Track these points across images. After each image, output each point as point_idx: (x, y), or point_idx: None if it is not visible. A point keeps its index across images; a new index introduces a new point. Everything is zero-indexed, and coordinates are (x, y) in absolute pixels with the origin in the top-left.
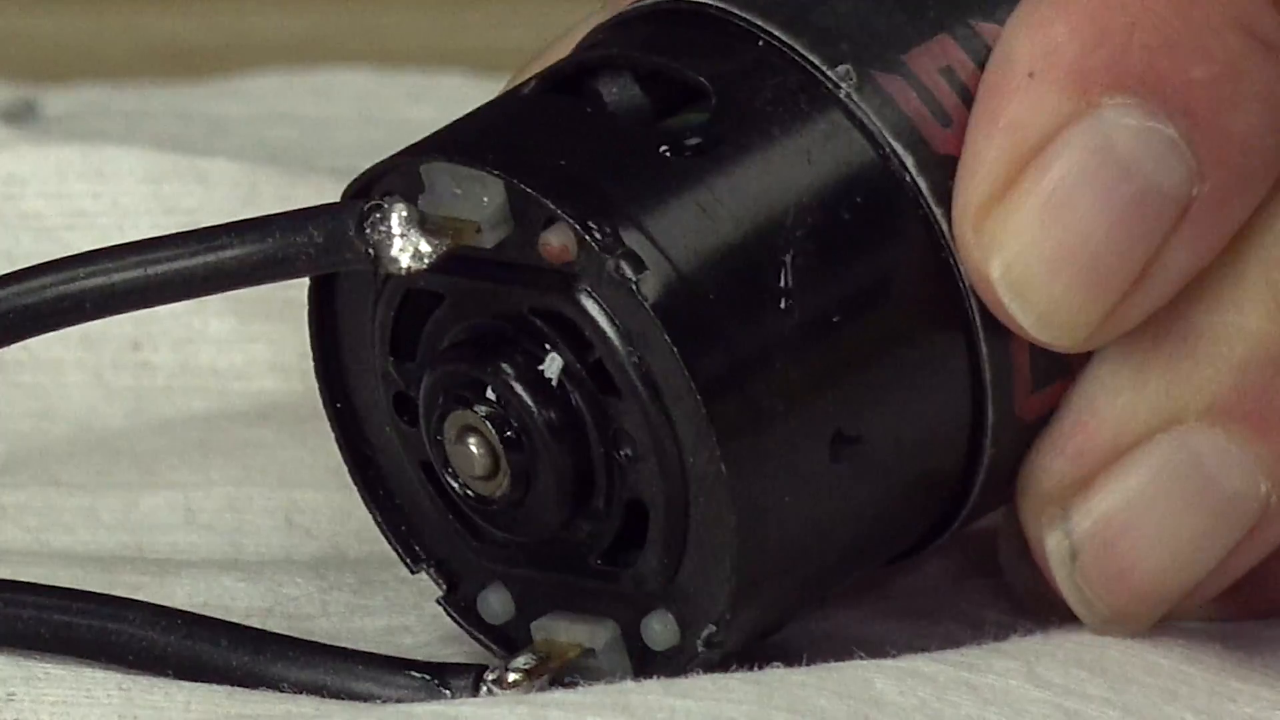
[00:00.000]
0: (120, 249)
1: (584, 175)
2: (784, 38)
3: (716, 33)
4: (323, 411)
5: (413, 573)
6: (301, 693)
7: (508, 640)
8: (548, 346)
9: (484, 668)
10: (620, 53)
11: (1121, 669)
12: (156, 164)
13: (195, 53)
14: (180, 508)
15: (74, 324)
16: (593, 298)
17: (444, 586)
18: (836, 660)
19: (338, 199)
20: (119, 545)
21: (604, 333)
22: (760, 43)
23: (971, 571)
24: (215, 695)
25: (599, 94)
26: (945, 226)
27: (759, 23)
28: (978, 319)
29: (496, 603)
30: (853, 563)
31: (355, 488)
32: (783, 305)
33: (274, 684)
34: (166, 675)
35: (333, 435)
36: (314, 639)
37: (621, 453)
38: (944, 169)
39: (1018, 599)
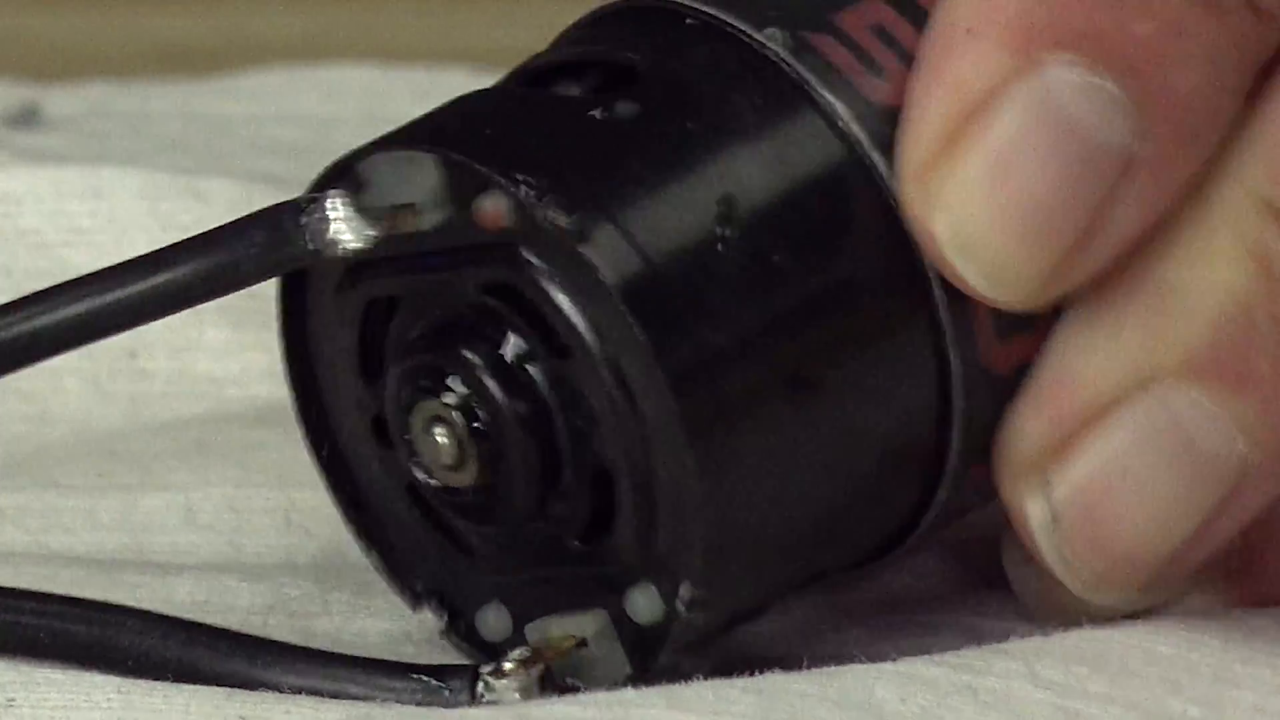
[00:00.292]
0: (68, 285)
1: (511, 140)
2: (713, 12)
3: (650, 19)
4: None
5: (414, 612)
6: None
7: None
8: (503, 324)
9: (479, 665)
10: (558, 54)
11: (1122, 662)
12: (153, 182)
13: (199, 51)
14: (180, 508)
15: (32, 364)
16: (534, 262)
17: (444, 620)
18: (837, 665)
19: None
20: (119, 546)
21: (547, 293)
22: (689, 20)
23: (976, 582)
24: (215, 698)
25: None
26: (885, 172)
27: (690, 4)
28: (929, 266)
29: (494, 620)
30: (832, 526)
31: (348, 530)
32: (725, 251)
33: (273, 689)
34: (166, 680)
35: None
36: (315, 638)
37: (581, 417)
38: (880, 118)
39: (1021, 608)
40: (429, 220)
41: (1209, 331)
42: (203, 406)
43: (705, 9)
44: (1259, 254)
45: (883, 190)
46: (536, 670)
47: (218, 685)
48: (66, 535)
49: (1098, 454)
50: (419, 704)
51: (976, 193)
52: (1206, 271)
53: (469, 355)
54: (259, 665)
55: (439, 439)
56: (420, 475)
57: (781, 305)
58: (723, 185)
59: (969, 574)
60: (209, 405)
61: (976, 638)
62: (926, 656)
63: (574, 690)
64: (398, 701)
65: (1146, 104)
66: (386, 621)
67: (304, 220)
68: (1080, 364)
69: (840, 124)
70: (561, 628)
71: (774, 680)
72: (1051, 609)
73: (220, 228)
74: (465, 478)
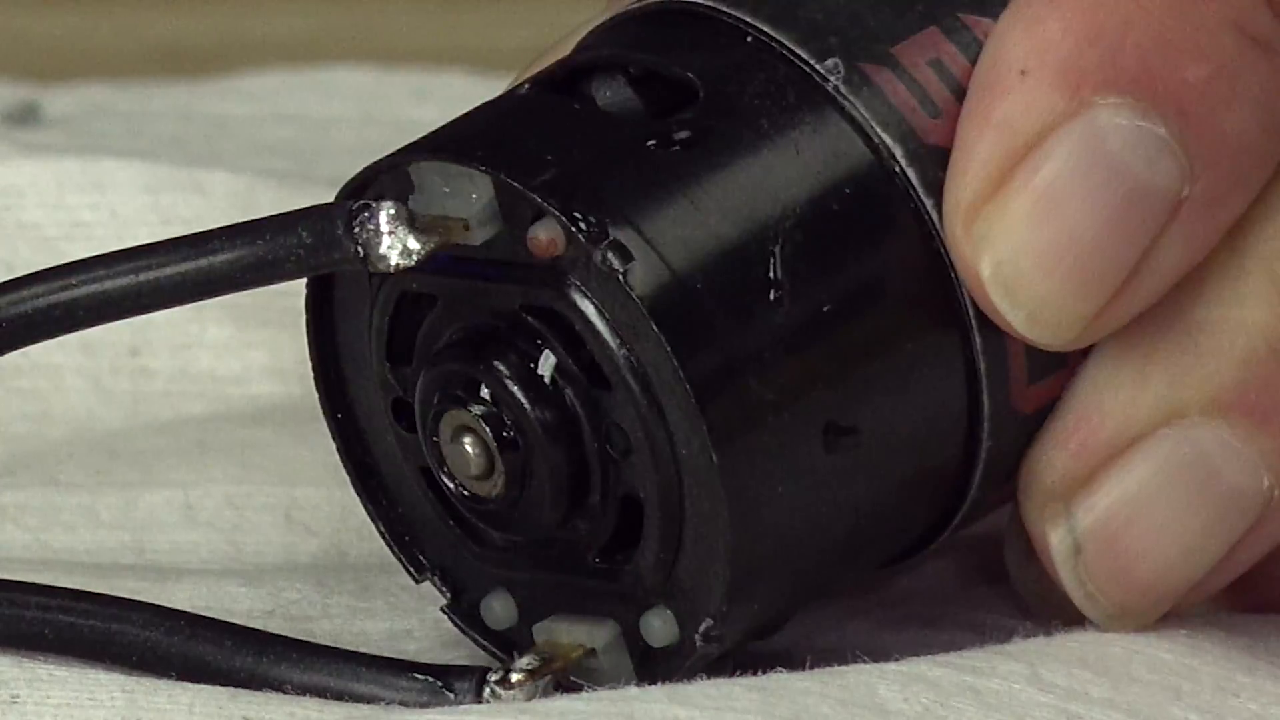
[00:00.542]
0: (113, 256)
1: (571, 170)
2: (772, 33)
3: (706, 31)
4: (321, 415)
5: (417, 582)
6: (305, 694)
7: (511, 646)
8: (541, 344)
9: (487, 670)
10: (611, 53)
11: (1125, 668)
12: (154, 175)
13: (197, 52)
14: (180, 506)
15: (68, 332)
16: (582, 291)
17: (448, 595)
18: (840, 665)
19: None
20: (119, 544)
21: (594, 326)
22: (749, 39)
23: (977, 577)
24: (219, 697)
25: (591, 95)
26: (935, 217)
27: (747, 19)
28: (970, 309)
29: (500, 608)
30: (851, 557)
31: (358, 497)
32: (772, 296)
33: (277, 686)
34: (170, 677)
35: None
36: (316, 640)
37: (614, 447)
38: (933, 159)
39: (1023, 604)
40: (479, 236)
41: (1237, 369)
42: (204, 405)
43: (765, 28)
44: None
45: (931, 235)
46: (544, 682)
47: (222, 680)
48: (67, 533)
49: (1122, 486)
50: (423, 705)
51: (1022, 233)
52: (1236, 310)
53: (503, 368)
54: (263, 661)
55: (467, 448)
56: (446, 481)
57: (825, 354)
58: (775, 231)
59: (971, 570)
60: (210, 404)
61: (978, 633)
62: (929, 656)
63: (576, 689)
64: (401, 703)
65: (1195, 147)
66: (387, 621)
67: (355, 228)
68: (1108, 398)
69: (896, 167)
70: (571, 634)
71: (777, 679)
72: (1052, 607)
73: (266, 220)
74: (492, 488)
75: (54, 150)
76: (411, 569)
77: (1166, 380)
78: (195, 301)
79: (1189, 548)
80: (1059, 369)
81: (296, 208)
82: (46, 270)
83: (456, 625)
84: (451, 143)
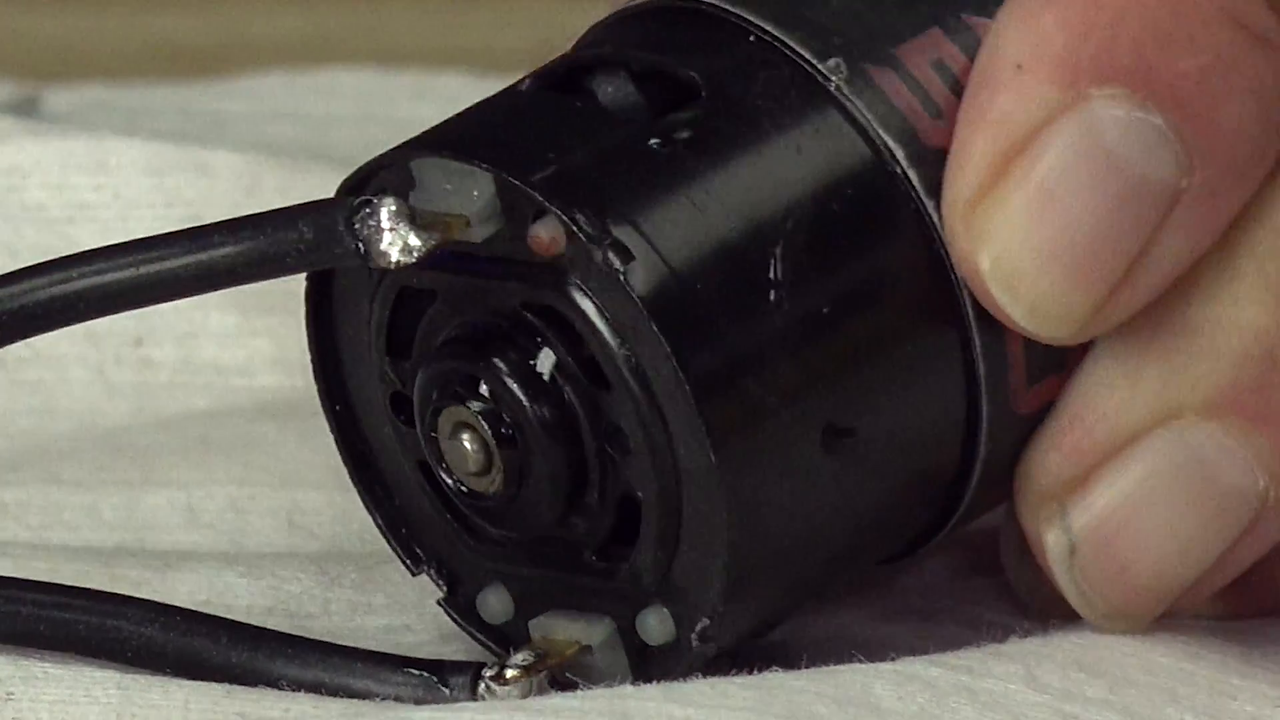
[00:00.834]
0: (114, 249)
1: (572, 168)
2: (775, 32)
3: (709, 29)
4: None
5: (413, 574)
6: (300, 690)
7: (507, 640)
8: (540, 342)
9: (482, 665)
10: (613, 51)
11: (1121, 670)
12: (159, 156)
13: (197, 52)
14: (182, 507)
15: (69, 324)
16: (583, 291)
17: (444, 588)
18: (836, 664)
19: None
20: (120, 543)
21: (594, 326)
22: (751, 38)
23: (972, 571)
24: (214, 694)
25: (593, 92)
26: (936, 219)
27: (751, 18)
28: (971, 311)
29: (496, 602)
30: (849, 557)
31: (355, 489)
32: (772, 297)
33: (273, 681)
34: (165, 672)
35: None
36: (312, 636)
37: (614, 447)
38: (935, 161)
39: (1019, 598)
40: (480, 233)
41: (1232, 370)
42: (208, 398)
43: (768, 27)
44: None
45: (932, 237)
46: (539, 678)
47: (217, 675)
48: (68, 532)
49: (1117, 487)
50: (418, 701)
51: (1021, 227)
52: (1231, 311)
53: (502, 366)
54: (259, 656)
55: (466, 445)
56: (445, 477)
57: (825, 356)
58: (776, 231)
59: (966, 563)
60: (214, 397)
61: (974, 629)
62: (925, 656)
63: (572, 686)
64: (397, 698)
65: (1193, 139)
66: (386, 618)
67: (356, 224)
68: (1103, 399)
69: (897, 169)
70: (567, 631)
71: (773, 678)
72: (1048, 603)
73: (267, 214)
74: (490, 485)
75: (57, 130)
76: (408, 561)
77: (1161, 381)
78: (196, 295)
79: (1184, 549)
80: (1057, 371)
81: (300, 190)
82: (48, 262)
83: (452, 618)
84: (453, 139)
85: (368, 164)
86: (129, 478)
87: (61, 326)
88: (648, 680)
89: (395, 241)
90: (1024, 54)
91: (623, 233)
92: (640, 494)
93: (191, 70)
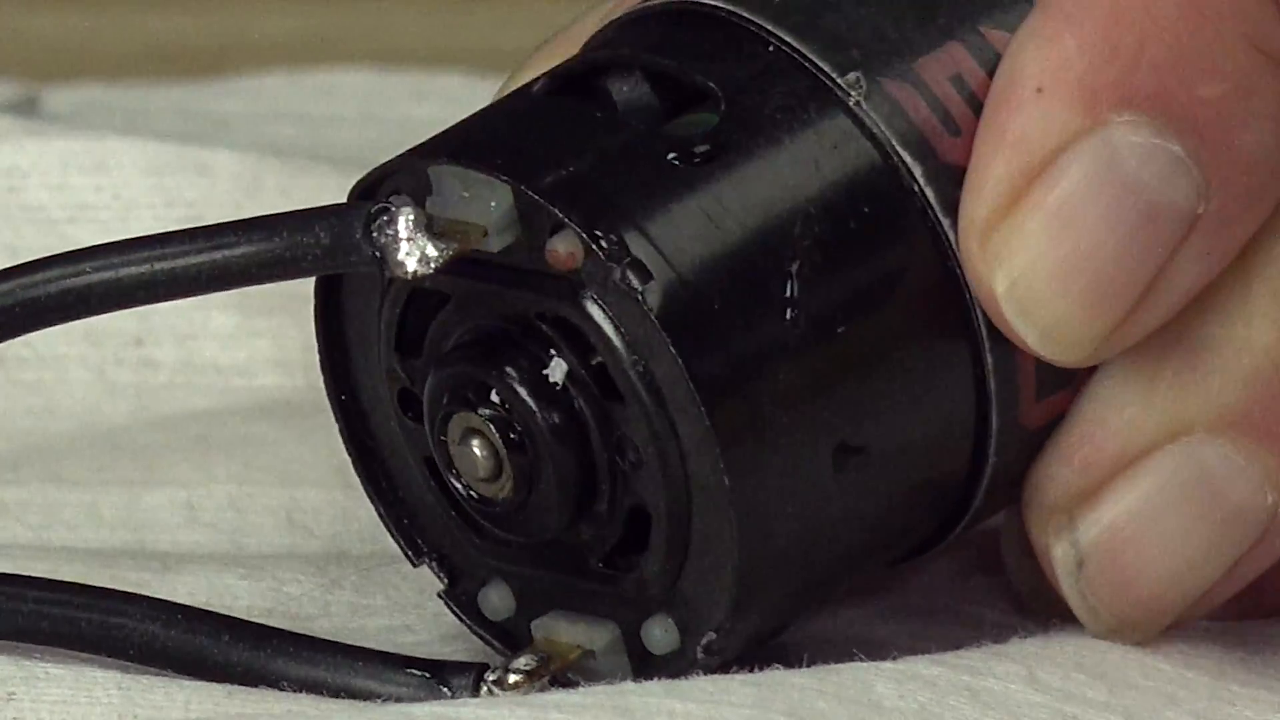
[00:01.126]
0: (127, 244)
1: (591, 182)
2: (794, 43)
3: (727, 36)
4: (326, 407)
5: (414, 565)
6: (301, 689)
7: (508, 636)
8: (552, 351)
9: (485, 667)
10: (631, 53)
11: (1121, 673)
12: (159, 156)
13: (197, 52)
14: (182, 506)
15: (79, 318)
16: (598, 305)
17: (445, 580)
18: (837, 662)
19: (341, 191)
20: (121, 542)
21: (609, 340)
22: (770, 48)
23: (973, 570)
24: (215, 694)
25: (609, 94)
26: (952, 236)
27: (770, 27)
28: (983, 328)
29: (497, 599)
30: (854, 568)
31: (358, 481)
32: (788, 315)
33: (274, 680)
34: (167, 670)
35: (336, 429)
36: (314, 635)
37: (624, 459)
38: (952, 178)
39: (1020, 598)
40: (497, 243)
41: (1242, 388)
42: (208, 399)
43: (788, 38)
44: None
45: (948, 255)
46: (541, 683)
47: (219, 674)
48: (68, 531)
49: (1126, 501)
50: (419, 700)
51: (1036, 250)
52: (1242, 329)
53: (513, 373)
54: (260, 655)
55: (475, 451)
56: (454, 482)
57: (838, 373)
58: (792, 249)
59: (968, 562)
60: (214, 397)
61: (974, 628)
62: (926, 655)
63: (573, 685)
64: (398, 698)
65: (1211, 166)
66: (386, 619)
67: (374, 232)
68: (1113, 414)
69: (915, 186)
70: (570, 633)
71: (774, 675)
72: (1048, 603)
73: (284, 216)
74: (499, 491)
75: (57, 130)
76: (409, 552)
77: (1172, 397)
78: (206, 294)
79: (1191, 564)
80: (1066, 385)
81: (301, 190)
82: (59, 255)
83: (453, 611)
84: (472, 147)
85: (383, 166)
86: (129, 477)
87: (71, 320)
88: None
89: (413, 251)
90: (1044, 76)
91: (641, 250)
92: (649, 506)
93: (192, 70)
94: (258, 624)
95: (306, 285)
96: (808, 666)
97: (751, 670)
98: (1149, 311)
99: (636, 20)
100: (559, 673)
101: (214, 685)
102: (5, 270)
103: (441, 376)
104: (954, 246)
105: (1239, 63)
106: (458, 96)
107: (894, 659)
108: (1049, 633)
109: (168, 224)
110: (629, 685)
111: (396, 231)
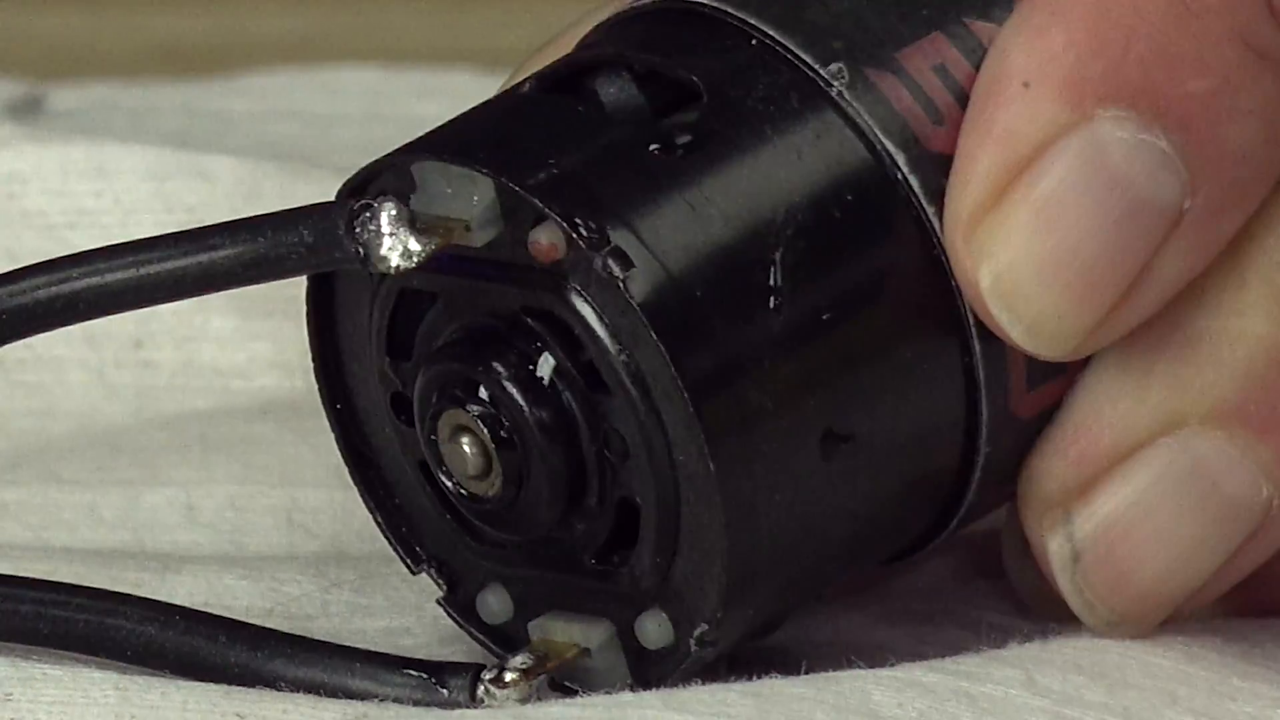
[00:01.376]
0: (114, 249)
1: (573, 174)
2: (777, 36)
3: (710, 32)
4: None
5: (413, 573)
6: (299, 690)
7: (506, 640)
8: (540, 346)
9: (481, 667)
10: (616, 51)
11: (1121, 673)
12: (159, 161)
13: (200, 51)
14: (182, 506)
15: (69, 324)
16: (582, 296)
17: (444, 587)
18: (835, 670)
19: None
20: (120, 543)
21: (593, 331)
22: (753, 41)
23: (974, 573)
24: (212, 695)
25: (595, 93)
26: (937, 224)
27: (752, 21)
28: (970, 316)
29: (495, 603)
30: (848, 560)
31: (355, 488)
32: (772, 304)
33: (271, 681)
34: (164, 671)
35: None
36: (312, 636)
37: (612, 452)
38: (936, 167)
39: (1020, 601)
40: (480, 237)
41: (1236, 380)
42: (207, 400)
43: (770, 31)
44: None
45: (932, 242)
46: (538, 681)
47: (216, 675)
48: (68, 532)
49: (1121, 494)
50: (417, 702)
51: (1021, 244)
52: (1236, 321)
53: (501, 369)
54: (258, 656)
55: (465, 448)
56: (444, 480)
57: (824, 362)
58: (776, 237)
59: (968, 565)
60: (214, 399)
61: (974, 632)
62: (924, 662)
63: (571, 692)
64: (395, 699)
65: (1197, 160)
66: (385, 620)
67: (356, 228)
68: (1107, 407)
69: (898, 174)
70: (566, 632)
71: (772, 684)
72: (1050, 605)
73: (268, 216)
74: (489, 488)
75: (58, 136)
76: (408, 560)
77: (1166, 390)
78: (194, 296)
79: (1187, 557)
80: (1058, 375)
81: (301, 195)
82: (48, 261)
83: (452, 617)
84: (454, 143)
85: (368, 166)
86: (129, 477)
87: (60, 326)
88: (646, 684)
89: (395, 246)
90: (1031, 71)
91: (622, 239)
92: (639, 498)
93: (195, 69)
94: (255, 625)
95: (304, 287)
96: (806, 674)
97: (750, 679)
98: (1134, 306)
99: (623, 20)
100: (555, 672)
101: (211, 686)
102: None
103: (430, 374)
104: (939, 234)
105: (1226, 58)
106: (463, 94)
107: (892, 665)
108: (1047, 636)
109: (168, 229)
110: (626, 696)
111: (379, 227)
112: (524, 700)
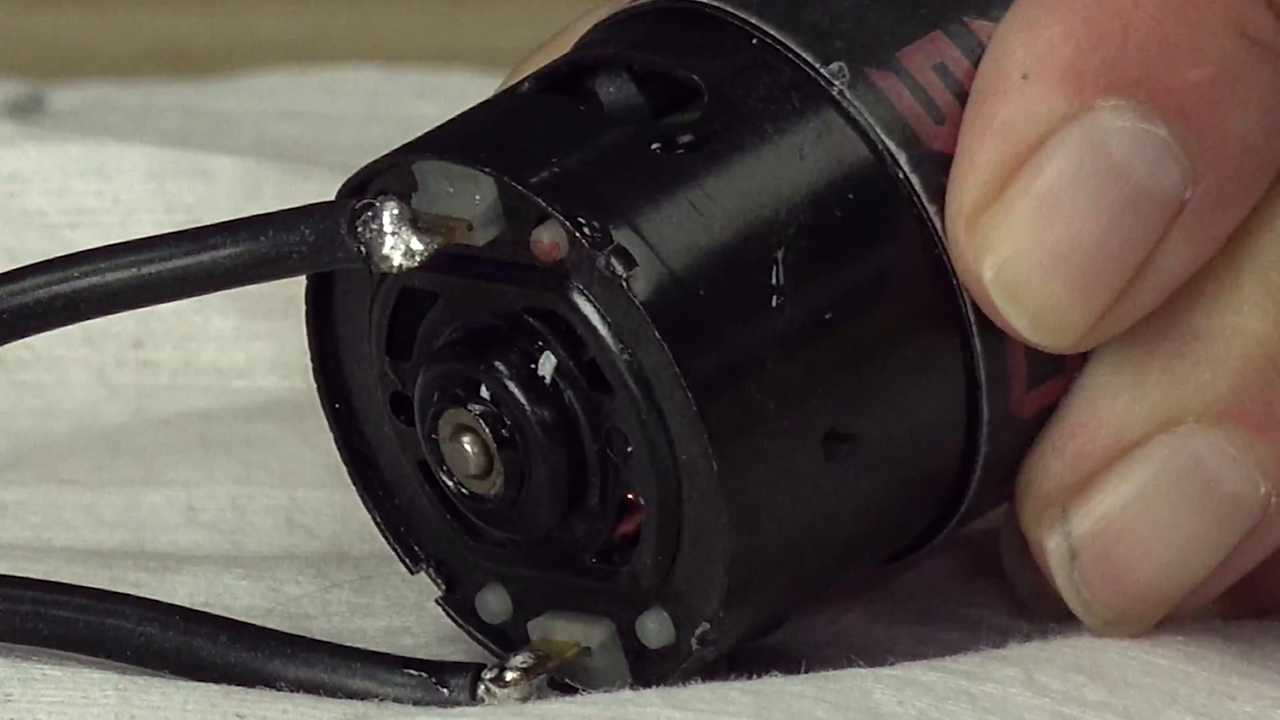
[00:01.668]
0: (115, 249)
1: (575, 173)
2: (778, 35)
3: (711, 31)
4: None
5: (412, 573)
6: (299, 690)
7: (506, 640)
8: (542, 345)
9: (481, 667)
10: (616, 51)
11: (1121, 672)
12: (159, 160)
13: (200, 51)
14: (182, 506)
15: (69, 323)
16: (584, 295)
17: (443, 586)
18: (835, 668)
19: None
20: (120, 543)
21: (596, 330)
22: (754, 41)
23: (974, 572)
24: (212, 695)
25: (594, 93)
26: (938, 223)
27: (754, 21)
28: (972, 315)
29: (495, 602)
30: (849, 559)
31: (354, 488)
32: (774, 302)
33: (271, 681)
34: (164, 671)
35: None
36: (311, 636)
37: (615, 451)
38: (937, 165)
39: (1020, 600)
40: (482, 236)
41: (1234, 377)
42: (208, 400)
43: (771, 31)
44: None
45: (934, 241)
46: (539, 680)
47: (216, 675)
48: (68, 532)
49: (1118, 493)
50: (417, 701)
51: (1024, 236)
52: (1233, 318)
53: (502, 368)
54: (258, 656)
55: (466, 447)
56: (445, 479)
57: (826, 361)
58: (778, 236)
59: (967, 564)
60: (214, 399)
61: (974, 631)
62: (924, 661)
63: (572, 691)
64: (395, 699)
65: (1198, 150)
66: (385, 620)
67: (359, 227)
68: (1104, 405)
69: (899, 173)
70: (567, 631)
71: (772, 682)
72: (1049, 604)
73: (269, 216)
74: (490, 487)
75: (58, 136)
76: (407, 559)
77: (1163, 388)
78: (196, 296)
79: (1185, 555)
80: (1057, 374)
81: (301, 195)
82: (48, 261)
83: (451, 617)
84: (456, 142)
85: (369, 165)
86: (129, 477)
87: (61, 326)
88: (646, 683)
89: (398, 245)
90: (1030, 63)
91: (625, 238)
92: (641, 498)
93: (195, 69)
94: (254, 625)
95: (304, 286)
96: (806, 673)
97: (750, 677)
98: (1138, 296)
99: (623, 20)
100: (556, 671)
101: (211, 686)
102: None
103: (432, 374)
104: (940, 233)
105: (1225, 48)
106: (462, 94)
107: (892, 664)
108: (1047, 635)
109: (168, 228)
110: (626, 694)
111: (381, 226)
112: (524, 699)
